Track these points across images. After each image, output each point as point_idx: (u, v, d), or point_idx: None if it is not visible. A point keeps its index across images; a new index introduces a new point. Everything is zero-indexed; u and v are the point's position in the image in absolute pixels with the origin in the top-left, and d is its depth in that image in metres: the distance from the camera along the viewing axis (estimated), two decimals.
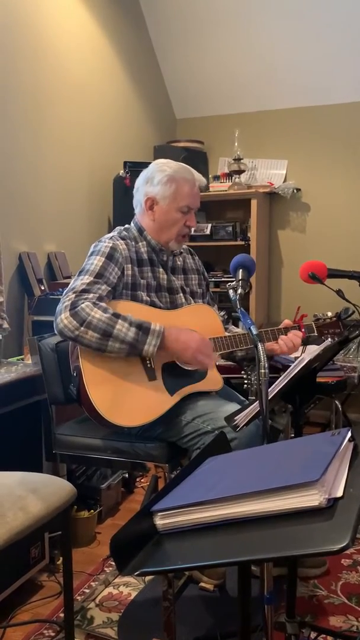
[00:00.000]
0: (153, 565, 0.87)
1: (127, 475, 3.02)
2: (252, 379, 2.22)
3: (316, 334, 2.01)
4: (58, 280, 3.02)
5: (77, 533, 2.48)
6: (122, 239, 1.96)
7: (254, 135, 4.09)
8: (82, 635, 1.92)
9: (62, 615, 1.94)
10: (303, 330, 2.00)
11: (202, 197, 1.95)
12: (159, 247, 2.02)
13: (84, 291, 1.78)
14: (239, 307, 1.54)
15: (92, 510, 2.57)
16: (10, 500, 1.54)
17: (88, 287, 1.80)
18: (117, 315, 1.76)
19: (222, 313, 2.26)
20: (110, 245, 1.90)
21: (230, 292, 1.60)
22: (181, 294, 2.05)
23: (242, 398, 2.12)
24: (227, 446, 1.32)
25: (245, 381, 2.21)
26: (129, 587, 2.21)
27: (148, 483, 2.68)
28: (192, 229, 2.04)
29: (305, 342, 1.99)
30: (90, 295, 1.78)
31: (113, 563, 2.27)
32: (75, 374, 1.86)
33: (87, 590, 2.19)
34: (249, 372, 2.22)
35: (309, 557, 2.12)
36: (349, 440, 1.02)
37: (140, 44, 3.99)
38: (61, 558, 2.01)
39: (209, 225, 3.96)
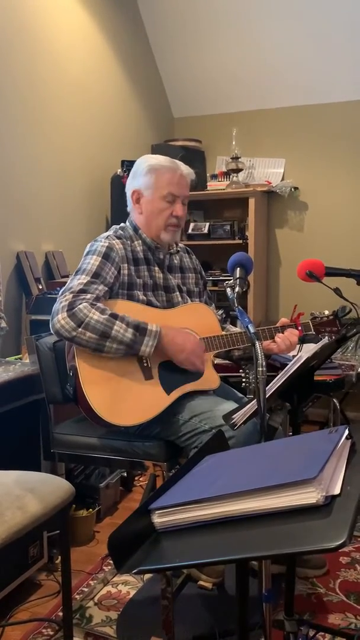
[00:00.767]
0: (151, 564, 0.87)
1: (125, 474, 3.02)
2: (250, 377, 2.22)
3: (313, 333, 2.02)
4: (56, 280, 3.02)
5: (75, 532, 2.48)
6: (118, 238, 1.96)
7: (252, 133, 4.09)
8: (80, 634, 1.92)
9: (60, 614, 1.94)
10: (300, 328, 2.00)
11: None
12: (154, 245, 2.02)
13: (81, 291, 1.78)
14: (236, 305, 1.54)
15: (90, 509, 2.57)
16: (8, 499, 1.54)
17: (85, 287, 1.79)
18: (114, 316, 1.76)
19: (220, 312, 2.26)
20: (107, 244, 1.90)
21: (228, 290, 1.60)
22: (177, 293, 2.04)
23: (240, 395, 2.12)
24: (224, 444, 1.32)
25: (244, 379, 2.21)
26: (127, 586, 2.21)
27: (146, 482, 2.69)
28: (181, 220, 2.02)
29: (302, 340, 1.99)
30: (88, 296, 1.78)
31: (112, 562, 2.28)
32: (71, 374, 1.86)
33: (85, 589, 2.19)
34: (247, 371, 2.23)
35: (307, 555, 2.12)
36: (347, 438, 1.02)
37: (138, 43, 3.99)
38: (60, 557, 2.01)
39: (207, 224, 3.96)
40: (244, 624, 1.03)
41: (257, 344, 1.37)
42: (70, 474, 2.60)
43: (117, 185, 3.46)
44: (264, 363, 1.33)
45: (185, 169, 2.02)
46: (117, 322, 1.75)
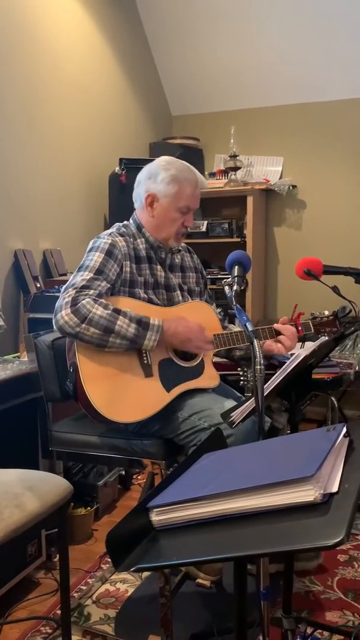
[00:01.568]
0: (149, 562, 0.87)
1: (123, 473, 3.02)
2: (249, 375, 2.23)
3: (313, 332, 2.02)
4: (54, 278, 3.02)
5: (73, 530, 2.49)
6: (121, 235, 1.96)
7: (250, 132, 4.09)
8: (79, 632, 1.92)
9: (59, 612, 1.94)
10: (300, 328, 2.00)
11: None
12: (157, 244, 2.02)
13: (85, 287, 1.78)
14: (234, 303, 1.54)
15: (88, 508, 2.57)
16: (6, 497, 1.54)
17: (88, 283, 1.80)
18: (117, 312, 1.77)
19: (219, 310, 2.26)
20: (110, 241, 1.90)
21: (226, 288, 1.60)
22: (178, 292, 2.05)
23: (239, 394, 2.13)
24: (223, 442, 1.32)
25: (242, 378, 2.21)
26: (125, 584, 2.21)
27: (144, 480, 2.69)
28: (189, 228, 2.05)
29: (303, 339, 1.99)
30: (91, 292, 1.78)
31: (110, 560, 2.28)
32: (72, 370, 1.87)
33: (84, 587, 2.19)
34: (246, 369, 2.23)
35: (304, 552, 2.13)
36: (344, 436, 1.02)
37: (136, 41, 3.98)
38: (58, 555, 2.01)
39: (205, 222, 3.95)
40: (242, 621, 1.04)
41: (255, 341, 1.37)
42: (68, 472, 2.60)
43: (115, 183, 3.45)
44: (262, 361, 1.33)
45: (202, 182, 2.04)
46: (120, 317, 1.76)
